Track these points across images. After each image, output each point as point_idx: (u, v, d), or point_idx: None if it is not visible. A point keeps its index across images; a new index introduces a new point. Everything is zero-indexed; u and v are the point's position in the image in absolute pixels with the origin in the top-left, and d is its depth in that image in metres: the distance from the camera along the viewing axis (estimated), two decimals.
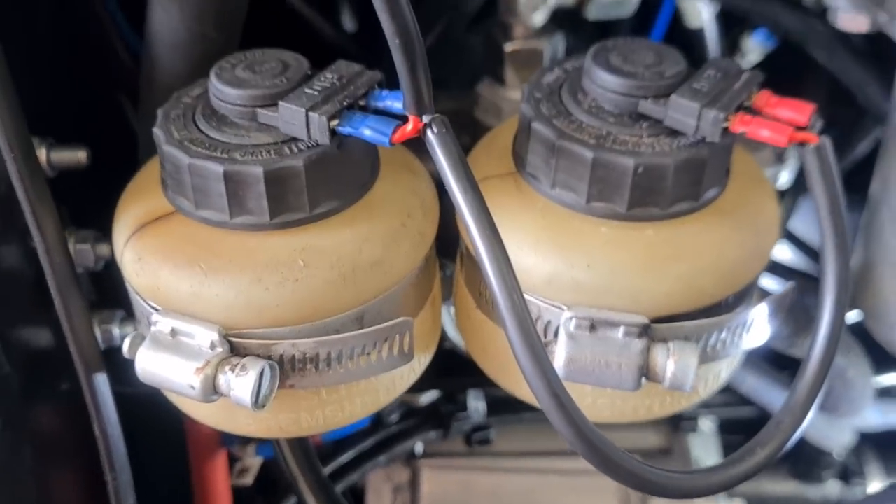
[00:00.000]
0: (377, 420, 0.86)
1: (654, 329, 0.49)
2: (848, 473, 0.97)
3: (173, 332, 0.48)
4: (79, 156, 0.56)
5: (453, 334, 0.75)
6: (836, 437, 0.92)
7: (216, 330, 0.48)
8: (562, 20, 0.71)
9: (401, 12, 0.38)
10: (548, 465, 0.88)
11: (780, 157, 0.78)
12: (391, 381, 0.55)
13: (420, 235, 0.52)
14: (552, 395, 0.41)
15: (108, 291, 0.64)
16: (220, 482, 0.81)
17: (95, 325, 0.58)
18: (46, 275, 0.52)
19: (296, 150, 0.47)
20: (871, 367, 0.83)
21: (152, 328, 0.49)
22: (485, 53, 0.73)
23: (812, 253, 0.88)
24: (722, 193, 0.51)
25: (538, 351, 0.41)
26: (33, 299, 0.55)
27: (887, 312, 0.62)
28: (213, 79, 0.49)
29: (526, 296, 0.42)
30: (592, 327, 0.48)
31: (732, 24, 0.76)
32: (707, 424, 0.94)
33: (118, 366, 0.55)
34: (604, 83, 0.50)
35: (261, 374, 0.47)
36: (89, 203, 0.58)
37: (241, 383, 0.46)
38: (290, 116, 0.46)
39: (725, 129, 0.47)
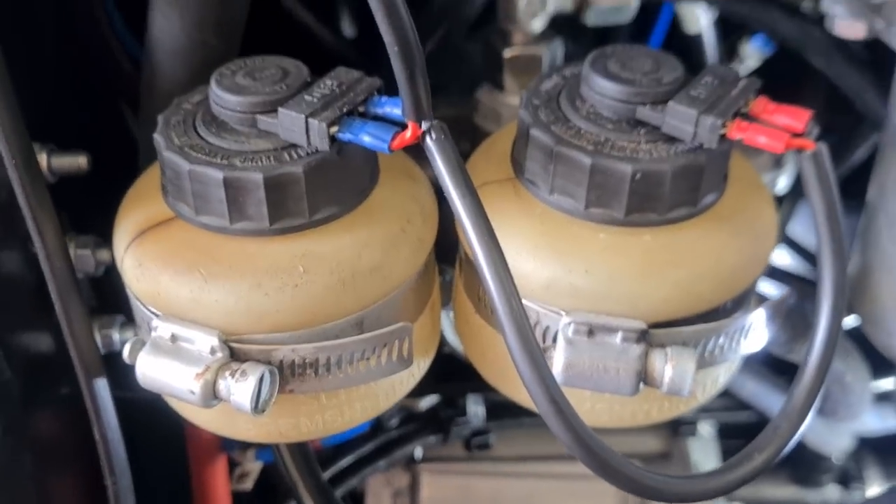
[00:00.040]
0: (377, 425, 0.86)
1: (651, 334, 0.49)
2: (847, 478, 0.97)
3: (173, 338, 0.49)
4: (79, 162, 0.57)
5: (452, 339, 0.75)
6: (835, 441, 0.92)
7: (216, 335, 0.48)
8: (560, 26, 0.71)
9: (399, 20, 0.38)
10: (547, 469, 0.88)
11: (778, 163, 0.79)
12: (390, 386, 0.56)
13: (419, 241, 0.53)
14: (550, 401, 0.41)
15: (109, 297, 0.64)
16: (219, 487, 0.81)
17: (96, 331, 0.58)
18: (47, 280, 0.52)
19: (295, 156, 0.47)
20: (870, 371, 0.83)
21: (152, 333, 0.49)
22: (484, 60, 0.73)
23: (811, 258, 0.88)
24: (720, 199, 0.52)
25: (536, 356, 0.41)
26: (34, 304, 0.55)
27: (884, 318, 0.62)
28: (213, 85, 0.49)
29: (524, 301, 0.42)
30: (590, 333, 0.49)
31: (730, 30, 0.77)
32: (706, 429, 0.94)
33: (118, 371, 0.55)
34: (602, 90, 0.50)
35: (260, 380, 0.47)
36: (90, 209, 0.58)
37: (240, 388, 0.47)
38: (289, 123, 0.46)
39: (723, 136, 0.47)
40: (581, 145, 0.49)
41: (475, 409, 0.87)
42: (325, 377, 0.50)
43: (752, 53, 0.76)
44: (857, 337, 0.75)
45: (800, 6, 0.69)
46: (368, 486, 0.88)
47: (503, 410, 0.88)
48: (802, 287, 0.74)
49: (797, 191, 0.82)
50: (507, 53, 0.70)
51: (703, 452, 0.93)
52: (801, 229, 0.87)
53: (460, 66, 0.78)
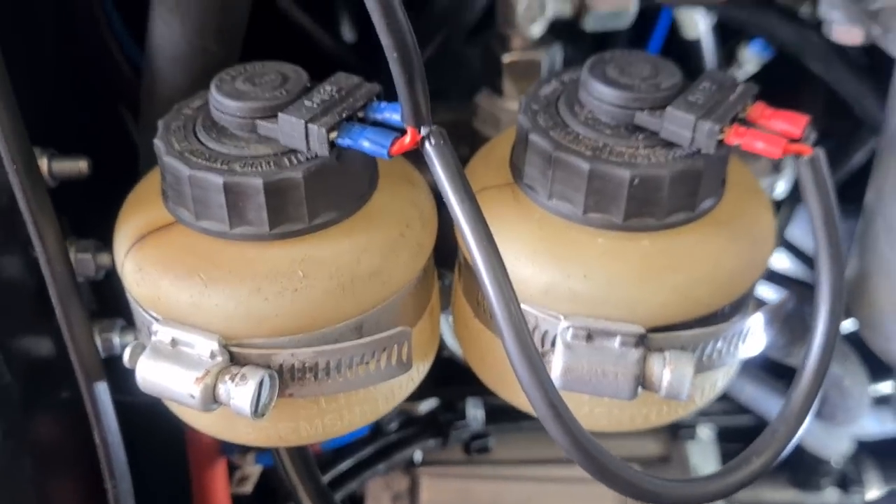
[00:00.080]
0: (376, 428, 0.86)
1: (650, 339, 0.49)
2: (846, 481, 0.97)
3: (173, 342, 0.49)
4: (80, 166, 0.57)
5: (452, 343, 0.75)
6: (834, 445, 0.92)
7: (216, 339, 0.48)
8: (559, 31, 0.71)
9: (398, 26, 0.38)
10: (546, 473, 0.88)
11: (776, 167, 0.79)
12: (390, 390, 0.56)
13: (418, 246, 0.53)
14: (549, 405, 0.41)
15: (109, 301, 0.65)
16: (219, 491, 0.81)
17: (96, 335, 0.58)
18: (47, 284, 0.52)
19: (295, 161, 0.47)
20: (868, 375, 0.83)
21: (153, 338, 0.49)
22: (483, 65, 0.73)
23: (810, 261, 0.88)
24: (718, 204, 0.52)
25: (535, 361, 0.41)
26: (34, 309, 0.55)
27: (882, 322, 0.62)
28: (213, 91, 0.49)
29: (523, 306, 0.42)
30: (589, 337, 0.49)
31: (729, 35, 0.77)
32: (706, 432, 0.94)
33: (118, 375, 0.55)
34: (600, 95, 0.50)
35: (260, 384, 0.47)
36: (90, 213, 0.58)
37: (240, 392, 0.47)
38: (289, 128, 0.46)
39: (720, 141, 0.47)
40: (579, 150, 0.49)
41: (474, 412, 0.87)
42: (324, 381, 0.50)
43: (751, 58, 0.76)
44: (855, 341, 0.76)
45: (798, 11, 0.69)
46: (368, 490, 0.88)
47: (502, 414, 0.88)
48: (801, 291, 0.74)
49: (795, 195, 0.82)
50: (506, 58, 0.70)
51: (702, 456, 0.93)
52: (799, 233, 0.87)
53: (459, 71, 0.78)
